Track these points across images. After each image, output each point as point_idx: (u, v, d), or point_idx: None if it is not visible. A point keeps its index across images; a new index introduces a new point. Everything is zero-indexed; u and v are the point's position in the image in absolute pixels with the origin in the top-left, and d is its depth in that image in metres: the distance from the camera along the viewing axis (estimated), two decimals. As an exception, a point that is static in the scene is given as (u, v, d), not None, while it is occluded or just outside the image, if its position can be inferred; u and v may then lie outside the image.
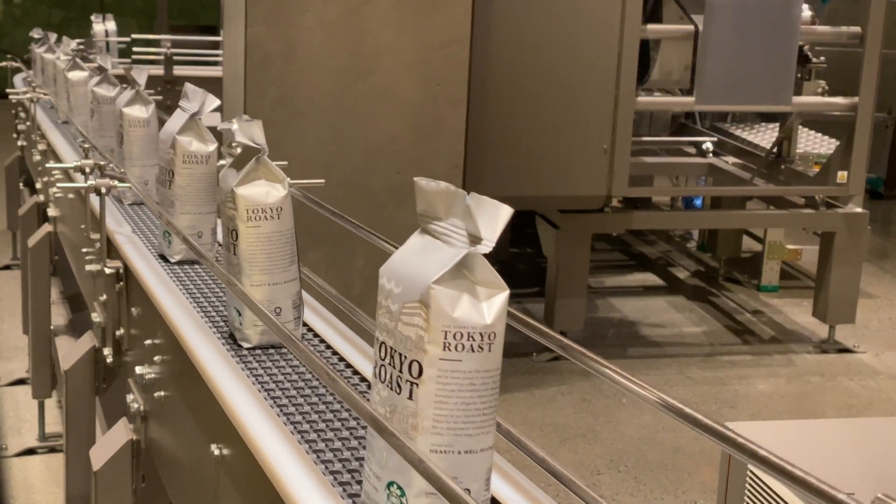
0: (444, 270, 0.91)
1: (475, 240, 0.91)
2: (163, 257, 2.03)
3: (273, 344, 1.53)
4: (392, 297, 0.95)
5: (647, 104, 5.04)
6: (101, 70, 2.87)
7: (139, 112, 2.39)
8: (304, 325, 1.66)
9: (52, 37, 4.61)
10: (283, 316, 1.51)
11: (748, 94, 4.84)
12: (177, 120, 1.93)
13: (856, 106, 4.95)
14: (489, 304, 0.92)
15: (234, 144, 1.93)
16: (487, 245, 0.90)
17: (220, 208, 1.52)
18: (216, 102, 1.87)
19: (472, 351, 0.92)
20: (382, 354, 0.96)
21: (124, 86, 2.65)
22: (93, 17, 5.27)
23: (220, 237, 2.02)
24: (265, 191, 1.49)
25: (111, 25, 4.75)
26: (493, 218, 0.91)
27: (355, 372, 1.48)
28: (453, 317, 0.91)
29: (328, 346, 1.57)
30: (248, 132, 1.47)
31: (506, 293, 0.94)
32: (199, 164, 1.94)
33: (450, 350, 0.92)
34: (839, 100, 5.05)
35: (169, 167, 1.95)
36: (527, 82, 4.64)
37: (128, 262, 2.07)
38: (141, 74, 2.37)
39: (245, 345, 1.53)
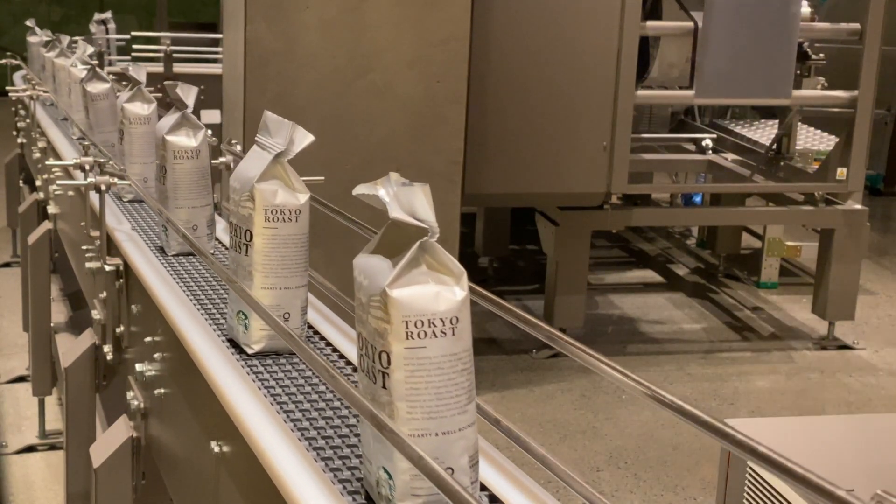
0: None
1: None
2: (233, 343, 1.54)
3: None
4: None
5: (647, 97, 5.04)
6: (132, 83, 2.40)
7: (186, 140, 1.95)
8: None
9: (65, 39, 4.23)
10: (458, 477, 1.01)
11: (747, 88, 4.84)
12: (255, 161, 1.45)
13: (855, 99, 4.95)
14: None
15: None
16: None
17: (358, 313, 1.03)
18: (308, 139, 1.42)
19: None
20: None
21: (140, 83, 2.36)
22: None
23: (325, 331, 1.61)
24: (433, 292, 0.99)
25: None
26: None
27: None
28: None
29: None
30: (406, 202, 0.98)
31: None
32: (288, 221, 1.45)
33: None
34: (839, 93, 5.05)
35: (245, 226, 1.46)
36: (526, 79, 4.64)
37: (128, 260, 2.08)
38: (189, 93, 1.93)
39: None
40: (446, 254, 1.00)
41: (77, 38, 4.60)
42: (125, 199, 2.52)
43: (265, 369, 1.46)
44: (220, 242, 2.09)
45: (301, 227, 1.45)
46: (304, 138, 1.42)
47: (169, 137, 1.94)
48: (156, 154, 2.03)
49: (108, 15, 6.31)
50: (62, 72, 3.82)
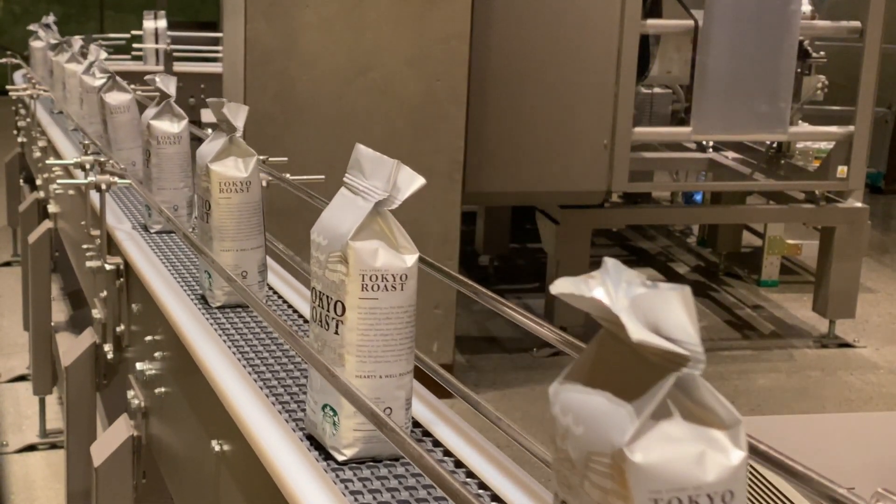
0: None
1: None
2: (316, 444, 1.20)
3: None
4: None
5: (646, 135, 5.06)
6: (161, 97, 2.08)
7: (234, 170, 1.62)
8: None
9: (76, 43, 3.85)
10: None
11: (744, 125, 4.88)
12: (347, 210, 1.13)
13: (851, 134, 4.97)
14: None
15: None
16: None
17: (559, 471, 0.68)
18: (417, 182, 1.10)
19: None
20: None
21: (169, 97, 2.04)
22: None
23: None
24: (695, 454, 0.62)
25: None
26: None
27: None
28: None
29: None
30: (649, 311, 0.63)
31: None
32: (392, 290, 1.12)
33: None
34: (834, 129, 5.08)
35: (335, 295, 1.12)
36: (527, 78, 4.63)
37: (128, 259, 2.08)
38: (239, 114, 1.61)
39: None
40: (713, 392, 0.65)
41: (75, 37, 4.56)
42: (152, 231, 2.23)
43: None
44: (272, 290, 1.81)
45: (408, 296, 1.13)
46: (411, 182, 1.10)
47: (214, 167, 1.61)
48: (196, 185, 1.70)
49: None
50: (73, 78, 3.52)
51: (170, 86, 2.06)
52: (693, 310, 0.64)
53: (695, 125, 4.84)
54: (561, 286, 0.64)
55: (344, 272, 1.11)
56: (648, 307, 0.63)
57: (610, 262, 0.64)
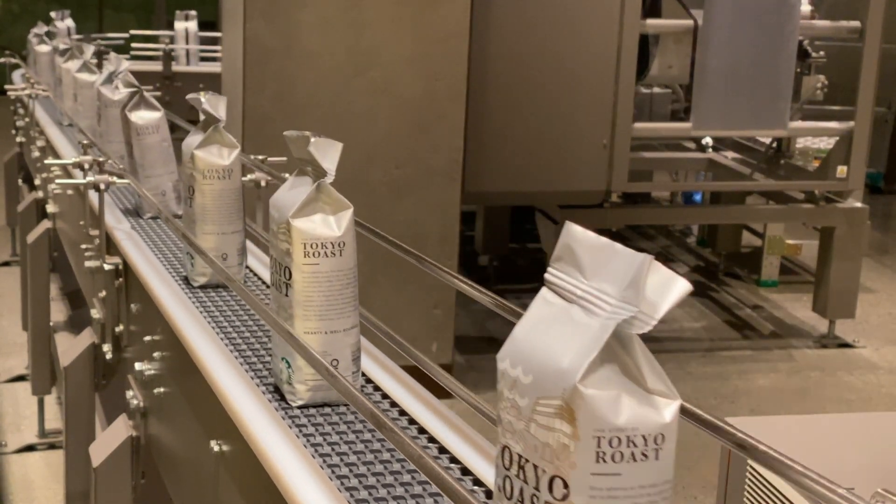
0: None
1: None
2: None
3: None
4: None
5: (645, 130, 5.06)
6: (207, 120, 1.73)
7: (324, 228, 1.27)
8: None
9: (88, 50, 3.41)
10: None
11: (744, 120, 4.88)
12: (557, 328, 0.72)
13: (851, 130, 4.97)
14: None
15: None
16: None
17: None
18: (678, 288, 0.74)
19: None
20: None
21: (219, 121, 1.71)
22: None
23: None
24: None
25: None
26: None
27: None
28: None
29: None
30: None
31: None
32: (644, 459, 0.72)
33: None
34: (833, 124, 5.08)
35: (552, 467, 0.71)
36: (526, 77, 4.63)
37: (127, 259, 2.07)
38: (329, 154, 1.25)
39: None
40: None
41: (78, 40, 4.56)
42: (195, 284, 1.83)
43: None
44: (369, 379, 1.42)
45: (663, 468, 0.71)
46: (667, 289, 0.73)
47: (298, 224, 1.26)
48: (271, 245, 1.33)
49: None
50: (87, 90, 3.18)
51: (219, 108, 1.71)
52: None
53: (695, 121, 4.83)
54: None
55: (567, 433, 0.70)
56: None
57: None
